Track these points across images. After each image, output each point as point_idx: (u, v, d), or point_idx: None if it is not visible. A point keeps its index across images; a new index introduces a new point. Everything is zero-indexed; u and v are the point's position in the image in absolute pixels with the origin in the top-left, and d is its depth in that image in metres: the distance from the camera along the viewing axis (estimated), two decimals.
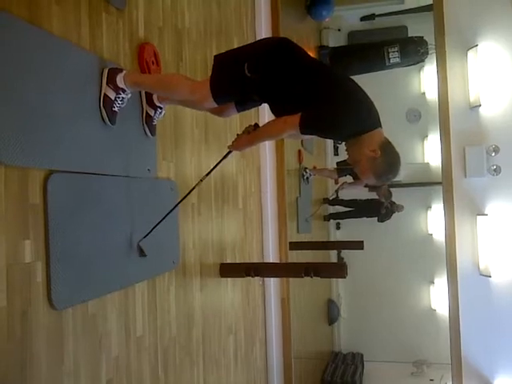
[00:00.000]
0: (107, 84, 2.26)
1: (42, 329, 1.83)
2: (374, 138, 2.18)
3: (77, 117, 2.08)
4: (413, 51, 7.26)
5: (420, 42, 7.20)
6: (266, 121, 4.05)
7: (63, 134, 1.99)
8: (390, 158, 2.20)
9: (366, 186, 7.08)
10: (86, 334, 2.08)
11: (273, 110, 2.38)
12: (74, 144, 2.05)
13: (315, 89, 2.19)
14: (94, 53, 2.24)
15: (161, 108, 2.62)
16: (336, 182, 7.72)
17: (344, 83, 2.24)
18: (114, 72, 2.28)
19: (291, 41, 2.34)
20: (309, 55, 2.39)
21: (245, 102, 2.51)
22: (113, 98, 2.27)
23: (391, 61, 7.25)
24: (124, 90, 2.28)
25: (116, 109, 2.29)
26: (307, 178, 6.92)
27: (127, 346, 2.38)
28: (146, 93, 2.57)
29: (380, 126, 2.22)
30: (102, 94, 2.25)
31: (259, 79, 2.22)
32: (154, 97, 2.58)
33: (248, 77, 2.21)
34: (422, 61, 7.42)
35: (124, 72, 2.30)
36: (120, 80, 2.27)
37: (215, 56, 2.37)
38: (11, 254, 1.71)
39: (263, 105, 2.53)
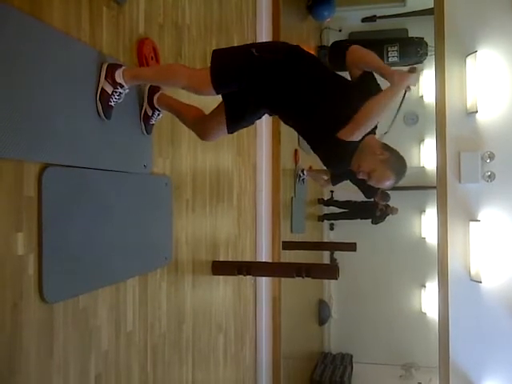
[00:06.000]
0: (105, 78, 2.24)
1: (33, 322, 1.83)
2: (373, 143, 2.20)
3: (74, 111, 2.08)
4: (412, 52, 7.26)
5: (420, 42, 7.20)
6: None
7: (60, 128, 1.98)
8: (395, 153, 2.24)
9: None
10: (77, 328, 2.08)
11: (274, 113, 2.42)
12: (70, 138, 2.05)
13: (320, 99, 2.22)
14: (94, 47, 2.24)
15: (159, 111, 2.63)
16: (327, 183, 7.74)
17: (346, 95, 2.24)
18: (113, 67, 2.27)
19: (302, 48, 2.34)
20: (318, 62, 2.39)
21: (238, 120, 2.51)
22: (110, 93, 2.25)
23: (390, 59, 7.25)
24: (122, 85, 2.27)
25: (112, 103, 2.27)
26: (303, 179, 6.93)
27: (117, 341, 2.39)
28: (148, 91, 2.57)
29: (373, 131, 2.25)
30: (100, 88, 2.23)
31: (268, 59, 2.21)
32: (155, 98, 2.58)
33: (256, 56, 2.20)
34: (421, 62, 7.42)
35: (123, 67, 2.29)
36: (119, 75, 2.25)
37: (214, 50, 2.35)
38: (3, 246, 1.71)
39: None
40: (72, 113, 2.07)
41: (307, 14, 7.59)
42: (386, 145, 2.24)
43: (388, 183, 2.26)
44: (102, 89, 2.24)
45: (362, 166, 2.23)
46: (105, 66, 2.26)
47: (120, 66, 2.29)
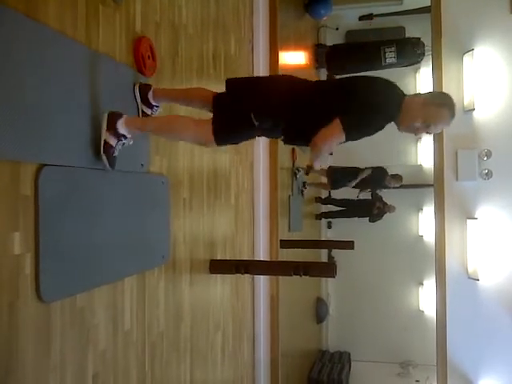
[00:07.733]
0: (107, 130, 2.17)
1: (30, 321, 1.83)
2: (410, 108, 2.32)
3: (69, 110, 2.07)
4: (409, 52, 7.28)
5: (417, 43, 7.21)
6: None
7: (56, 128, 1.98)
8: (436, 109, 2.31)
9: (354, 186, 7.13)
10: (74, 327, 2.07)
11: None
12: (66, 138, 2.04)
13: (334, 104, 2.31)
14: (90, 46, 2.23)
15: (157, 106, 2.63)
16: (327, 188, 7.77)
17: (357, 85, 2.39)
18: (114, 117, 2.20)
19: (294, 78, 2.47)
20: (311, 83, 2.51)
21: None
22: (114, 145, 2.20)
23: (387, 61, 7.26)
24: (125, 137, 2.23)
25: (116, 153, 2.22)
26: (302, 189, 7.00)
27: (114, 340, 2.38)
28: (140, 92, 2.56)
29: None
30: (103, 141, 2.17)
31: (269, 126, 2.35)
32: (150, 96, 2.57)
33: (256, 125, 2.32)
34: (418, 62, 7.44)
35: (124, 117, 2.23)
36: (121, 125, 2.19)
37: (216, 99, 2.45)
38: (0, 246, 1.70)
39: None
40: (68, 112, 2.06)
41: (304, 12, 7.59)
42: (424, 106, 2.31)
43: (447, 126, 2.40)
44: (105, 141, 2.17)
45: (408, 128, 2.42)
46: (105, 117, 2.19)
47: (121, 115, 2.22)
